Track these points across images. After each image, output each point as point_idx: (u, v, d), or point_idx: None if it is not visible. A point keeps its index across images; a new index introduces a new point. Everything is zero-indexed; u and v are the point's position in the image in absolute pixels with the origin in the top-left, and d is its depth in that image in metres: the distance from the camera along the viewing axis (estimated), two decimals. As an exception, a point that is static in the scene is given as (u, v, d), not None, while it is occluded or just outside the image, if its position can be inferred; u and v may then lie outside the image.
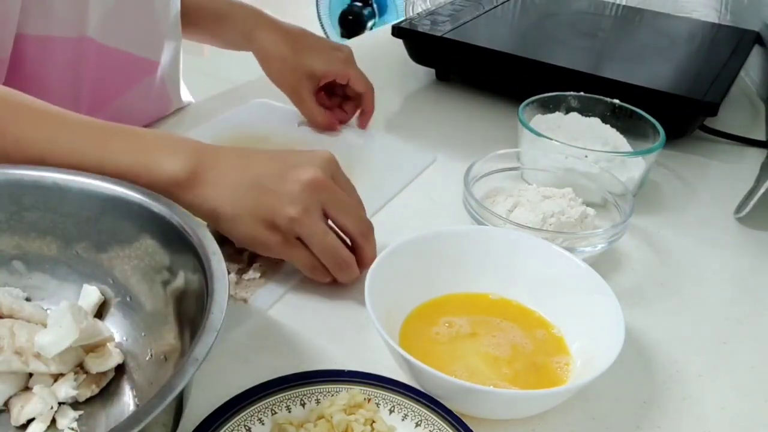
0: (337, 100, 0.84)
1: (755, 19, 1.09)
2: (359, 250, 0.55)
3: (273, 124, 0.82)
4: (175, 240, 0.46)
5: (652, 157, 0.71)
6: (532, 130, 0.72)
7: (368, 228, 0.56)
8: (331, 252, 0.53)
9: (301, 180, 0.52)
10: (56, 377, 0.45)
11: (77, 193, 0.49)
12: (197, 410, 0.43)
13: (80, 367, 0.46)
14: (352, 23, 2.32)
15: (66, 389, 0.44)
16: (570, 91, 0.80)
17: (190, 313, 0.43)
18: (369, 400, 0.44)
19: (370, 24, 2.34)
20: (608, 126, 0.77)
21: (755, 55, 1.04)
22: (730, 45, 0.99)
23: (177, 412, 0.39)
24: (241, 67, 0.96)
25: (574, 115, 0.79)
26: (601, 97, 0.79)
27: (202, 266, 0.43)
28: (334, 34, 2.37)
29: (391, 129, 0.87)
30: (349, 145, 0.80)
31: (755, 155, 0.85)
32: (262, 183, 0.52)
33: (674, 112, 0.81)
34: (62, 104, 0.55)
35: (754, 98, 1.05)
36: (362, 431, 0.42)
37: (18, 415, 0.43)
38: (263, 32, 0.80)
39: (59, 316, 0.44)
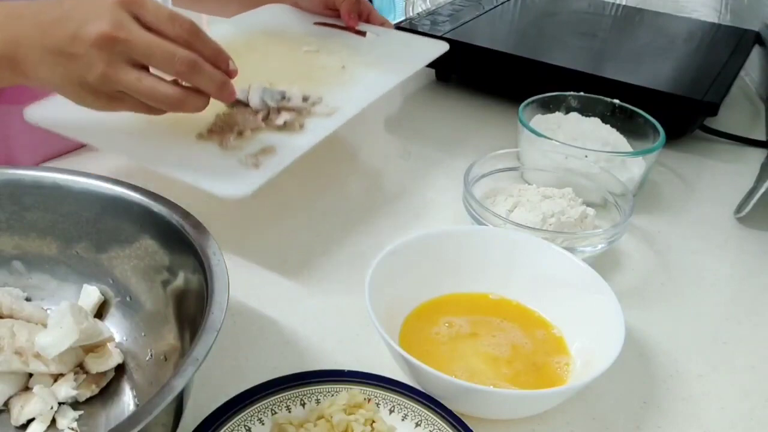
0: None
1: (755, 19, 1.09)
2: (190, 81, 0.52)
3: (289, 22, 0.85)
4: (175, 240, 0.46)
5: (652, 157, 0.71)
6: (532, 130, 0.72)
7: (183, 61, 0.50)
8: (153, 96, 0.51)
9: (90, 39, 0.49)
10: (56, 377, 0.45)
11: (77, 193, 0.49)
12: (197, 410, 0.43)
13: (80, 367, 0.46)
14: None
15: (66, 389, 0.44)
16: (570, 91, 0.79)
17: (190, 313, 0.43)
18: (369, 400, 0.44)
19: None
20: (608, 126, 0.77)
21: (755, 55, 1.03)
22: (730, 45, 0.99)
23: (177, 412, 0.39)
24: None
25: (574, 115, 0.78)
26: (601, 97, 0.79)
27: (202, 266, 0.43)
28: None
29: (391, 129, 0.87)
30: (360, 37, 0.83)
31: (755, 155, 0.85)
32: (62, 50, 0.49)
33: (674, 112, 0.81)
34: None
35: (754, 98, 1.05)
36: (362, 431, 0.42)
37: (18, 415, 0.43)
38: None
39: (59, 316, 0.44)
